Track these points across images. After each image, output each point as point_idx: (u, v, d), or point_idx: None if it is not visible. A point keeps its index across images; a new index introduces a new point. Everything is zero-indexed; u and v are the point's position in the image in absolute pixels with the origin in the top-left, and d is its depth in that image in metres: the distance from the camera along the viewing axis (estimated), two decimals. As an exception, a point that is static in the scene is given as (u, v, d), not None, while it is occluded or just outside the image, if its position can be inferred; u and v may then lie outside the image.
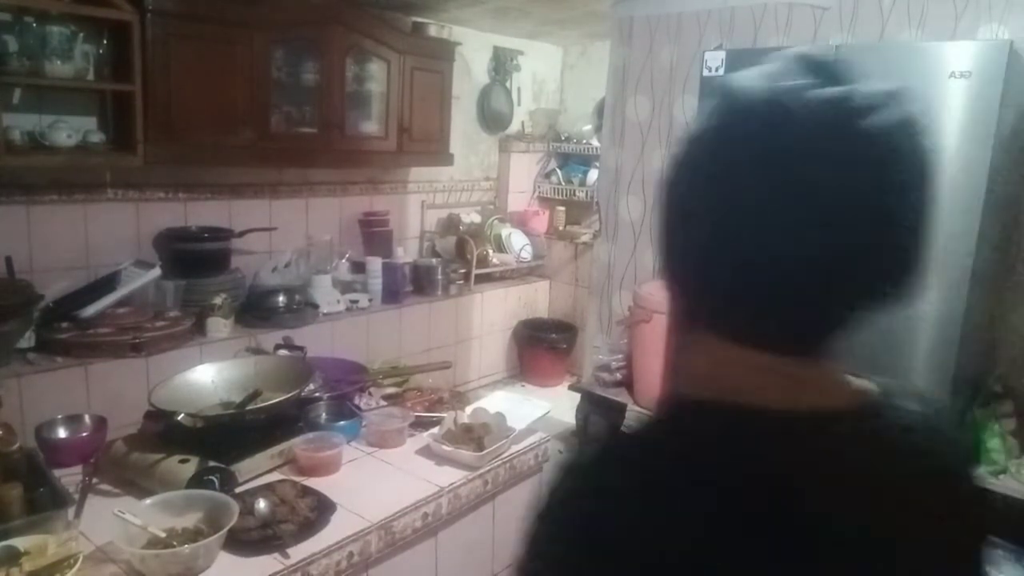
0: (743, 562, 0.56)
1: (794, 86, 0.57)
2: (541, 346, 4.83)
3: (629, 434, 0.71)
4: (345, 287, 3.88)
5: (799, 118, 0.55)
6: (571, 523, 0.62)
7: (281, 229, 3.83)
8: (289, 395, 1.69)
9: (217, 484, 1.48)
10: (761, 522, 0.56)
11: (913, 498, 0.61)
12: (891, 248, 0.59)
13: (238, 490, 1.52)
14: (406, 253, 4.41)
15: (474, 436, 1.78)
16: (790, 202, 0.55)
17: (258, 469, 1.61)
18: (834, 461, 0.59)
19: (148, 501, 1.38)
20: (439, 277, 4.29)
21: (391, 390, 2.17)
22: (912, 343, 2.23)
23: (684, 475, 0.59)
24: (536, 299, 5.06)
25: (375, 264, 3.98)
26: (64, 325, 2.84)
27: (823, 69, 0.58)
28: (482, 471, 1.74)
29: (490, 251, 4.74)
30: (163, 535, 1.30)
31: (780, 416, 0.59)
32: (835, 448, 0.60)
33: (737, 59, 2.62)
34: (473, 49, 4.76)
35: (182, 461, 1.51)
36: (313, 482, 1.59)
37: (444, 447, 1.75)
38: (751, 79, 0.59)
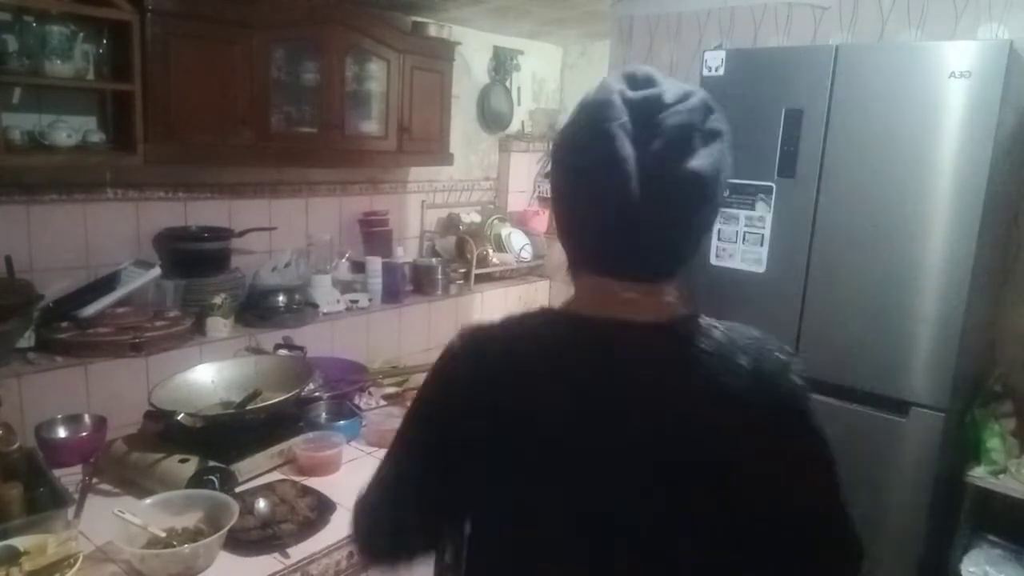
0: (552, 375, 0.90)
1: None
2: (541, 346, 4.83)
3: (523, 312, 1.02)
4: (345, 287, 3.88)
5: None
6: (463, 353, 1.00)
7: (281, 229, 3.83)
8: (289, 395, 1.69)
9: (217, 484, 1.48)
10: (549, 360, 0.91)
11: (673, 380, 0.89)
12: (680, 205, 0.88)
13: (238, 490, 1.52)
14: (406, 253, 4.41)
15: (474, 436, 1.78)
16: (596, 177, 0.86)
17: (258, 469, 1.61)
18: (656, 352, 0.90)
19: (148, 501, 1.39)
20: (439, 277, 4.29)
21: (391, 390, 2.17)
22: (912, 343, 2.23)
23: (522, 330, 0.96)
24: (536, 299, 5.05)
25: (375, 264, 3.98)
26: (64, 325, 2.83)
27: (635, 79, 0.90)
28: (482, 471, 1.74)
29: (490, 251, 4.74)
30: (163, 535, 1.31)
31: (582, 316, 0.93)
32: (642, 340, 0.91)
33: (737, 59, 2.62)
34: (473, 49, 4.76)
35: (182, 461, 1.51)
36: (313, 482, 1.59)
37: (444, 447, 1.75)
38: (588, 96, 0.91)
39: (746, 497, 0.88)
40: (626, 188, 0.82)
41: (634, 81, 0.89)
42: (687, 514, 0.89)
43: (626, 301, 0.90)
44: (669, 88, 0.88)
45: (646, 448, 0.88)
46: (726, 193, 0.98)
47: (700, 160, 0.85)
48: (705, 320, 0.94)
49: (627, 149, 0.82)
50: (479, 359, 0.96)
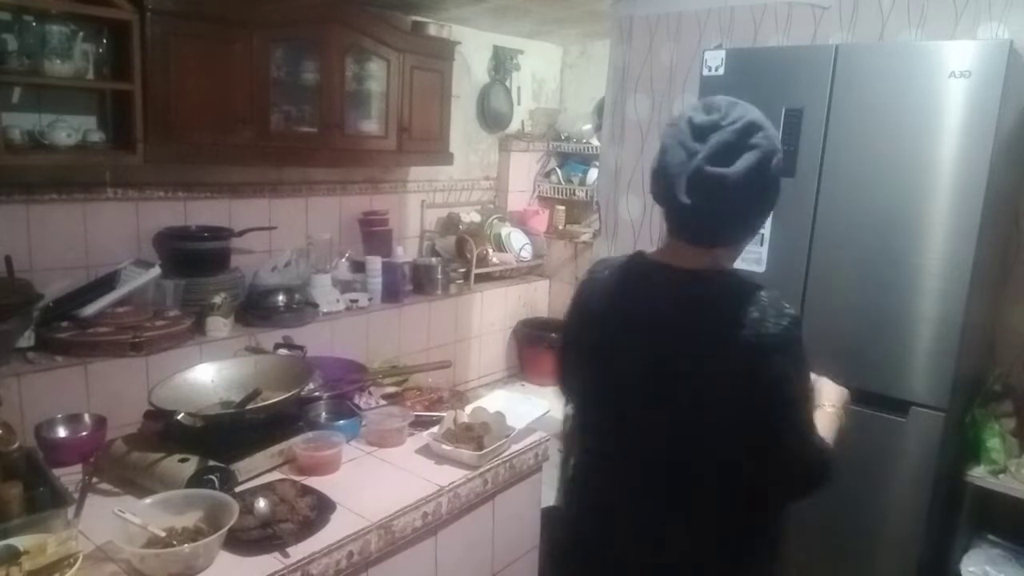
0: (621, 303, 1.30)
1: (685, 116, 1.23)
2: (541, 345, 4.82)
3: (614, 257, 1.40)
4: (345, 286, 3.88)
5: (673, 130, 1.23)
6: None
7: (281, 228, 3.83)
8: (289, 394, 1.69)
9: (217, 483, 1.48)
10: (632, 288, 1.31)
11: (681, 303, 1.23)
12: (740, 196, 1.19)
13: (238, 489, 1.52)
14: (406, 252, 4.41)
15: (474, 435, 1.78)
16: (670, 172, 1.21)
17: (258, 468, 1.61)
18: (680, 286, 1.24)
19: (148, 500, 1.38)
20: (439, 276, 4.29)
21: (391, 389, 2.17)
22: (912, 343, 2.22)
23: (622, 267, 1.34)
24: (536, 298, 5.06)
25: (375, 263, 3.99)
26: (64, 324, 2.84)
27: (709, 106, 1.22)
28: (482, 470, 1.74)
29: (490, 250, 4.74)
30: (163, 534, 1.30)
31: (658, 262, 1.30)
32: (680, 281, 1.25)
33: (737, 58, 2.62)
34: (473, 48, 4.76)
35: (182, 460, 1.51)
36: (313, 481, 1.59)
37: (444, 446, 1.75)
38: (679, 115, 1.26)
39: (712, 400, 1.19)
40: (673, 184, 1.19)
41: (708, 107, 1.22)
42: (674, 398, 1.22)
43: (677, 254, 1.27)
44: (729, 112, 1.19)
45: (650, 346, 1.24)
46: (772, 194, 1.26)
47: (734, 167, 1.16)
48: (732, 276, 1.25)
49: (679, 158, 1.19)
50: (587, 284, 1.40)
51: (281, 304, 3.44)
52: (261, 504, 1.44)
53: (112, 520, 1.29)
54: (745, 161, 1.17)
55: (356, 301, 3.82)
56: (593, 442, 1.40)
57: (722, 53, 2.64)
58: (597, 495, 1.38)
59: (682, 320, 1.22)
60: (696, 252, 1.25)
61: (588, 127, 4.99)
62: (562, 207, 5.23)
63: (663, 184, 1.22)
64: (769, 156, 1.20)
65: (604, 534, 1.35)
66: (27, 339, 2.74)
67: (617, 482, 1.33)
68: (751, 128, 1.18)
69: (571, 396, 1.48)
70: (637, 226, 3.62)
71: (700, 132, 1.19)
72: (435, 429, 1.83)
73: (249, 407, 1.63)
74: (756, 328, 1.15)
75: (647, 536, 1.29)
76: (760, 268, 2.51)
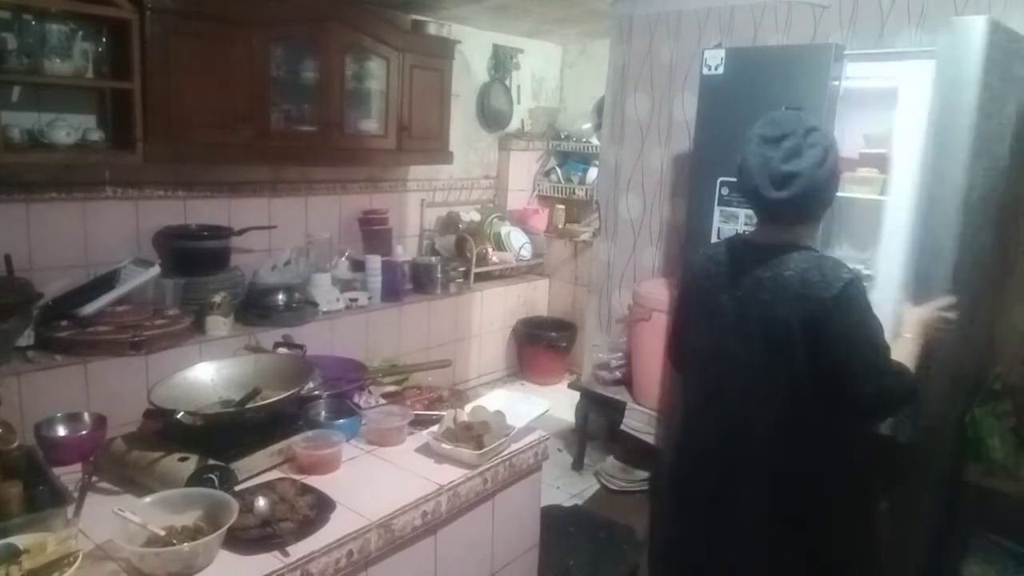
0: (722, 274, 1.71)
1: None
2: (540, 344, 4.83)
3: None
4: (344, 285, 3.88)
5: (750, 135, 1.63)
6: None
7: (280, 227, 3.83)
8: (288, 393, 1.69)
9: (216, 482, 1.47)
10: (727, 260, 1.72)
11: (783, 288, 1.57)
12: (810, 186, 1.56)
13: (237, 488, 1.52)
14: (405, 251, 4.41)
15: (473, 434, 1.78)
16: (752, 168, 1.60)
17: (257, 467, 1.61)
18: (763, 258, 1.62)
19: (147, 499, 1.38)
20: (438, 275, 4.29)
21: (390, 388, 2.17)
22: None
23: (722, 245, 1.78)
24: (536, 297, 5.06)
25: (374, 262, 3.98)
26: (63, 323, 2.84)
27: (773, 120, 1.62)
28: (481, 469, 1.74)
29: (489, 249, 4.74)
30: (162, 533, 1.30)
31: (749, 240, 1.72)
32: (764, 255, 1.63)
33: (737, 57, 2.62)
34: (473, 47, 4.76)
35: (181, 459, 1.51)
36: (313, 480, 1.59)
37: (443, 445, 1.75)
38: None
39: (802, 348, 1.54)
40: (758, 184, 1.57)
41: (771, 122, 1.60)
42: (773, 352, 1.57)
43: (764, 235, 1.68)
44: (790, 123, 1.58)
45: (747, 307, 1.62)
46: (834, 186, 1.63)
47: (799, 164, 1.54)
48: (805, 248, 1.61)
49: (759, 163, 1.57)
50: (693, 261, 1.85)
51: (281, 303, 3.44)
52: (261, 503, 1.44)
53: (112, 519, 1.29)
54: (810, 158, 1.54)
55: (356, 300, 3.82)
56: (701, 387, 1.79)
57: (722, 52, 2.64)
58: (706, 430, 1.77)
59: (769, 283, 1.59)
60: (778, 231, 1.64)
61: (588, 126, 4.99)
62: (562, 206, 5.23)
63: (751, 185, 1.59)
64: (827, 151, 1.57)
65: (714, 461, 1.73)
66: (27, 338, 2.74)
67: (724, 416, 1.70)
68: (809, 132, 1.57)
69: (682, 354, 1.88)
70: (637, 225, 3.62)
71: (771, 143, 1.57)
72: (435, 428, 1.82)
73: (249, 406, 1.63)
74: (823, 286, 1.52)
75: (751, 459, 1.66)
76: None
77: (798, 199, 1.56)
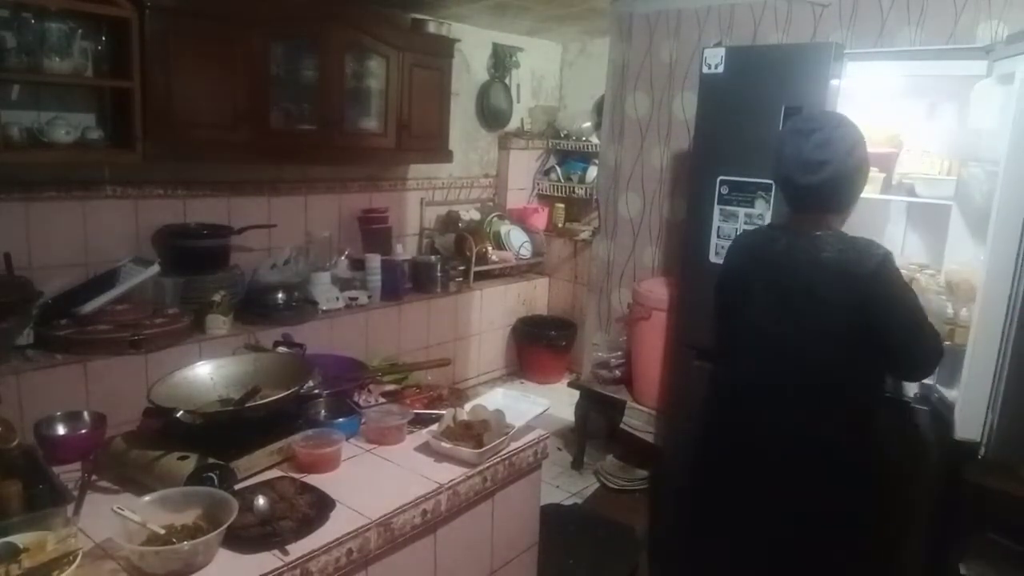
0: (757, 257, 1.88)
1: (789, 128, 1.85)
2: (540, 343, 4.83)
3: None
4: (344, 284, 3.88)
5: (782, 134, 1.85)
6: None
7: (280, 226, 3.83)
8: (288, 392, 1.69)
9: (216, 481, 1.47)
10: (765, 247, 1.87)
11: (822, 269, 1.72)
12: (831, 181, 1.72)
13: (237, 487, 1.52)
14: (405, 250, 4.42)
15: (473, 433, 1.78)
16: (785, 158, 1.78)
17: (257, 466, 1.61)
18: (798, 243, 1.79)
19: (147, 498, 1.38)
20: (438, 274, 4.29)
21: (390, 387, 2.17)
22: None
23: (758, 233, 2.00)
24: (535, 296, 5.06)
25: (374, 261, 3.98)
26: (63, 322, 2.84)
27: (801, 117, 1.89)
28: (481, 468, 1.74)
29: (489, 248, 4.74)
30: (162, 532, 1.30)
31: (785, 227, 1.87)
32: (799, 240, 1.79)
33: (737, 56, 2.62)
34: (472, 46, 4.75)
35: (181, 458, 1.51)
36: (312, 479, 1.59)
37: (443, 444, 1.75)
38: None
39: (846, 326, 1.70)
40: (792, 172, 1.74)
41: (805, 118, 1.82)
42: (821, 333, 1.72)
43: (797, 222, 1.82)
44: (820, 118, 1.78)
45: (790, 288, 1.76)
46: (860, 176, 1.77)
47: (827, 153, 1.69)
48: (836, 232, 1.76)
49: (793, 154, 1.73)
50: (731, 248, 2.02)
51: (280, 302, 3.44)
52: (260, 502, 1.44)
53: (111, 518, 1.29)
54: (839, 148, 1.69)
55: (355, 299, 3.82)
56: (749, 371, 1.90)
57: (722, 51, 2.64)
58: (756, 414, 1.87)
59: (808, 267, 1.73)
60: (811, 219, 1.77)
61: (587, 125, 4.98)
62: (561, 205, 5.23)
63: (784, 175, 1.75)
64: (854, 144, 1.71)
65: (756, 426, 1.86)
66: (26, 337, 2.74)
67: (764, 384, 1.85)
68: (838, 126, 1.72)
69: (725, 342, 2.02)
70: (636, 223, 3.62)
71: (804, 134, 1.72)
72: (434, 427, 1.82)
73: (248, 405, 1.63)
74: (859, 263, 1.67)
75: (789, 423, 1.79)
76: (759, 266, 2.50)
77: (828, 185, 1.70)
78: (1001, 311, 1.92)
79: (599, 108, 4.33)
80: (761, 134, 2.44)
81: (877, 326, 1.68)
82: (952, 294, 2.24)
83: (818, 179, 1.69)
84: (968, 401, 2.02)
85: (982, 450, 2.02)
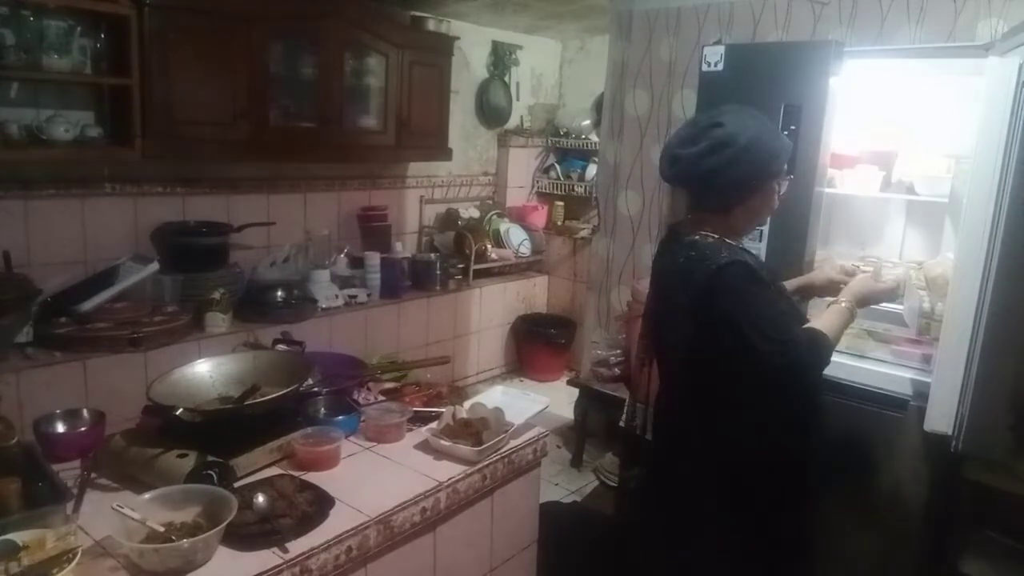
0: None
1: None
2: (539, 341, 4.83)
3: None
4: (343, 282, 3.88)
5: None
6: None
7: (279, 224, 3.82)
8: (287, 390, 1.69)
9: (216, 478, 1.48)
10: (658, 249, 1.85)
11: (674, 275, 1.69)
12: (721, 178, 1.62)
13: (237, 484, 1.52)
14: (404, 248, 4.41)
15: (472, 431, 1.78)
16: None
17: (257, 464, 1.61)
18: (671, 247, 1.75)
19: (147, 495, 1.38)
20: (438, 272, 4.29)
21: (389, 385, 2.17)
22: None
23: (665, 234, 1.91)
24: (535, 294, 5.06)
25: (373, 259, 3.98)
26: (62, 320, 2.83)
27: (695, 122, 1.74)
28: (480, 466, 1.74)
29: (489, 246, 4.74)
30: (162, 529, 1.31)
31: (678, 228, 1.77)
32: (672, 245, 1.74)
33: (736, 54, 2.61)
34: (472, 43, 4.75)
35: (180, 456, 1.51)
36: (312, 477, 1.59)
37: (442, 442, 1.75)
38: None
39: (689, 323, 1.64)
40: (661, 161, 1.70)
41: (708, 110, 1.70)
42: (673, 330, 1.73)
43: (683, 222, 1.76)
44: (710, 114, 1.65)
45: (659, 295, 1.79)
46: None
47: (685, 150, 1.63)
48: (696, 235, 1.67)
49: (666, 144, 1.71)
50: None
51: (280, 300, 3.44)
52: (260, 499, 1.44)
53: (111, 515, 1.29)
54: (699, 148, 1.60)
55: (355, 297, 3.82)
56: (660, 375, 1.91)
57: (721, 49, 2.64)
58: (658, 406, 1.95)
59: (670, 269, 1.71)
60: (694, 217, 1.71)
61: (587, 123, 4.98)
62: (561, 203, 5.22)
63: (660, 163, 1.71)
64: (719, 146, 1.58)
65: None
66: (25, 335, 2.74)
67: (665, 394, 1.88)
68: (715, 125, 1.60)
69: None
70: (636, 222, 3.62)
71: (685, 126, 1.70)
72: (434, 425, 1.83)
73: (248, 402, 1.63)
74: (702, 268, 1.59)
75: (682, 430, 1.79)
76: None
77: (680, 181, 1.69)
78: (972, 303, 1.85)
79: (598, 106, 4.32)
80: (760, 132, 2.44)
81: (722, 331, 1.57)
82: (929, 289, 2.24)
83: (670, 173, 1.67)
84: (939, 395, 1.99)
85: (954, 443, 1.99)
